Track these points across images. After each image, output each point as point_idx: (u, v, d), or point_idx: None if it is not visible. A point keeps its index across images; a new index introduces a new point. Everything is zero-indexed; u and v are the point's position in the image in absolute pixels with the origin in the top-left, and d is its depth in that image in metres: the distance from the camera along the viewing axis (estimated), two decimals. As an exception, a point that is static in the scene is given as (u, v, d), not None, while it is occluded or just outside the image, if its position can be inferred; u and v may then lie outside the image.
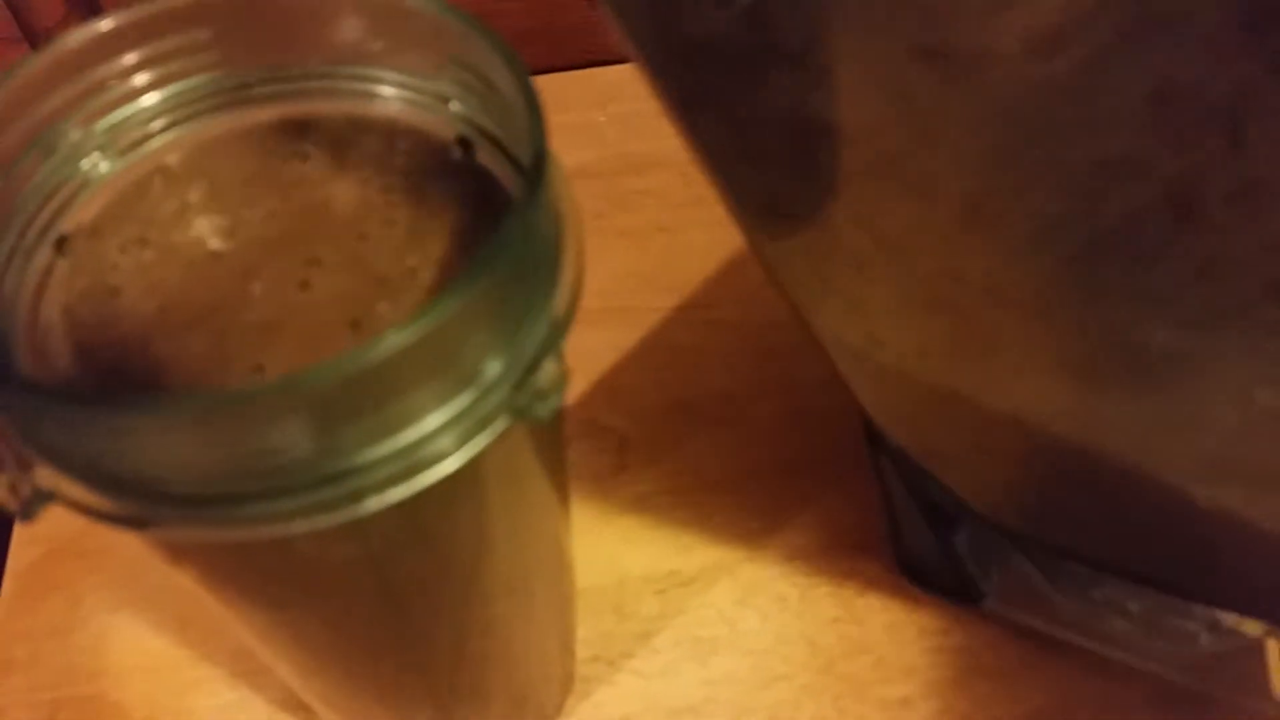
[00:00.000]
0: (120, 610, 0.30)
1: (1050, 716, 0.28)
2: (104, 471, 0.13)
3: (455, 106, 0.18)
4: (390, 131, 0.18)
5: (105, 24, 0.16)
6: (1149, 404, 0.16)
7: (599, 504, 0.32)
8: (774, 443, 0.33)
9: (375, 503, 0.13)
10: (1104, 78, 0.12)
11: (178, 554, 0.15)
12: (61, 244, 0.16)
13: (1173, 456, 0.18)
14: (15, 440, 0.13)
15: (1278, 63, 0.11)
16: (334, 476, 0.13)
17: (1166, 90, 0.11)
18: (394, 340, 0.12)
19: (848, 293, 0.19)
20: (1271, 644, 0.23)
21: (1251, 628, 0.23)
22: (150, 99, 0.17)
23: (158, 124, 0.17)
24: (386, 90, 0.18)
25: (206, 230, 0.17)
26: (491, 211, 0.17)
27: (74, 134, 0.17)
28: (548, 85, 0.48)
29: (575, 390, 0.35)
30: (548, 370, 0.14)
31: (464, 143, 0.18)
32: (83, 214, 0.17)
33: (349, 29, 0.17)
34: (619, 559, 0.31)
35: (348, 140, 0.18)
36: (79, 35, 0.16)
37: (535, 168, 0.14)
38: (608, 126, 0.44)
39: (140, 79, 0.17)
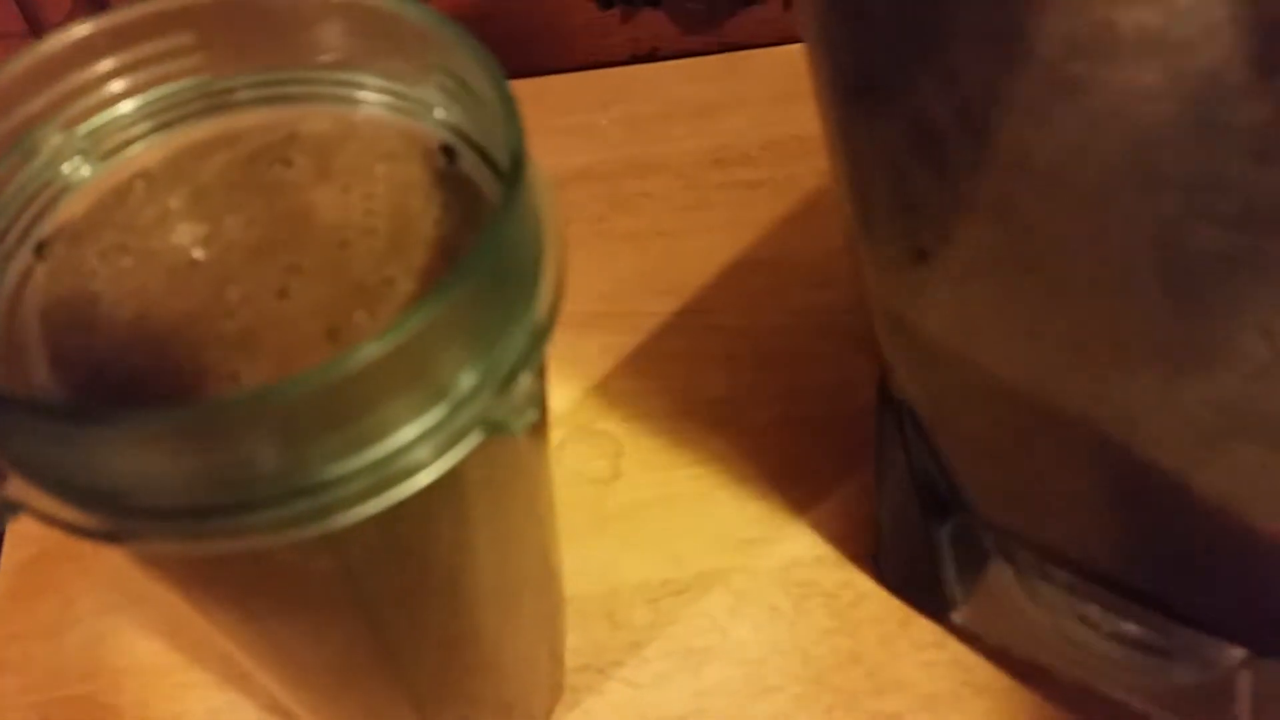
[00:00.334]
0: (113, 612, 0.30)
1: (1044, 733, 0.28)
2: (73, 483, 0.13)
3: (440, 113, 0.18)
4: (375, 137, 0.18)
5: (87, 27, 0.16)
6: (1165, 378, 0.16)
7: (593, 510, 0.32)
8: (770, 450, 0.33)
9: (348, 516, 0.13)
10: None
11: (152, 564, 0.15)
12: (41, 249, 0.16)
13: (1182, 436, 0.17)
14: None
15: None
16: (305, 490, 0.13)
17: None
18: (367, 352, 0.12)
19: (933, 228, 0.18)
20: (1244, 677, 0.22)
21: (1231, 654, 0.22)
22: (133, 103, 0.17)
23: (140, 128, 0.17)
24: (371, 96, 0.18)
25: (187, 237, 0.17)
26: (473, 221, 0.17)
27: (56, 138, 0.16)
28: (550, 87, 0.49)
29: (571, 394, 0.35)
30: (524, 383, 0.14)
31: (448, 150, 0.17)
32: (63, 219, 0.17)
33: (334, 34, 0.17)
34: (612, 566, 0.31)
35: (332, 146, 0.18)
36: (61, 39, 0.16)
37: (513, 175, 0.14)
38: (610, 129, 0.44)
39: (123, 83, 0.17)
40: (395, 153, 0.18)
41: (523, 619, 0.22)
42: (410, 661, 0.20)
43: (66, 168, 0.17)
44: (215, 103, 0.18)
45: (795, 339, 0.36)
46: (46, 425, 0.12)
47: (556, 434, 0.34)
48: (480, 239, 0.13)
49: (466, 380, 0.14)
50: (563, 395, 0.35)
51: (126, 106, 0.17)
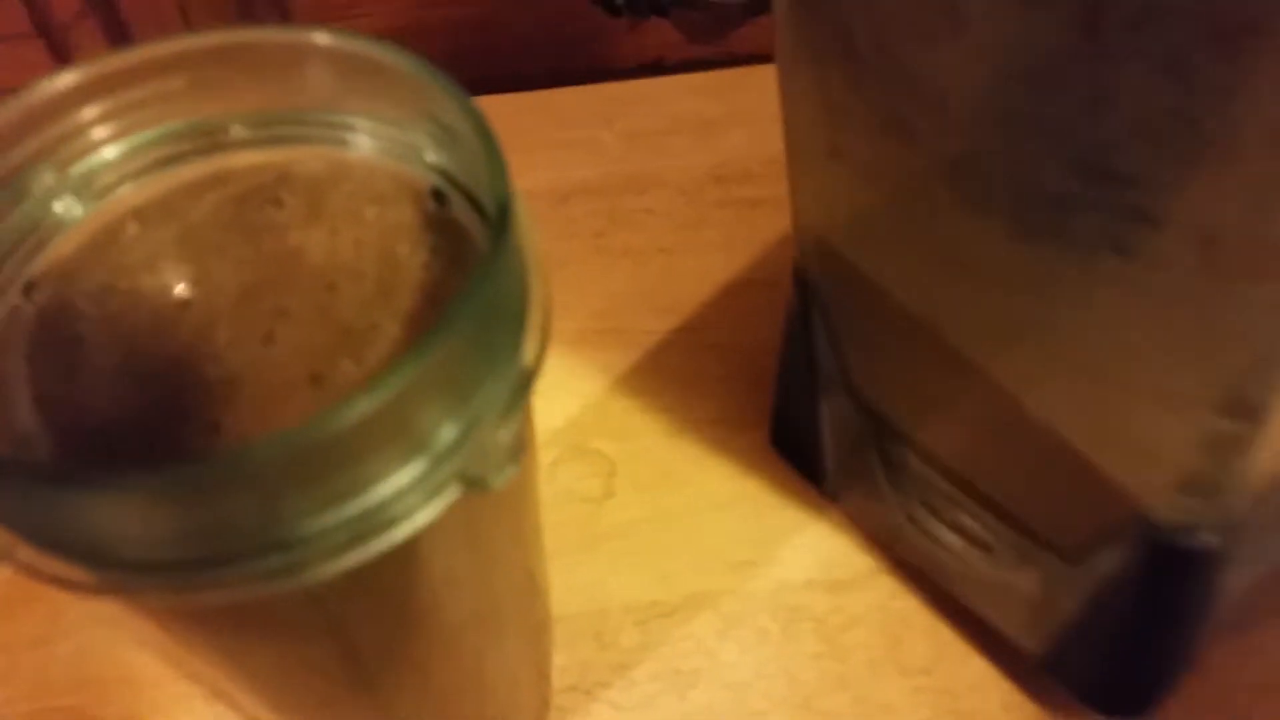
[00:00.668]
0: (102, 624, 0.30)
1: (1028, 763, 0.28)
2: (53, 537, 0.13)
3: (430, 157, 0.18)
4: (366, 179, 0.18)
5: (80, 72, 0.16)
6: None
7: (584, 529, 0.32)
8: (763, 471, 0.33)
9: (324, 570, 0.13)
10: None
11: (128, 608, 0.16)
12: (29, 289, 0.16)
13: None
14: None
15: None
16: (282, 545, 0.13)
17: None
18: (349, 412, 0.12)
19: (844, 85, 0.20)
20: (1038, 579, 0.25)
21: (1041, 557, 0.25)
22: (124, 144, 0.17)
23: (131, 168, 0.17)
24: (363, 138, 0.18)
25: (175, 278, 0.17)
26: (461, 265, 0.17)
27: (47, 178, 0.17)
28: (554, 100, 0.49)
29: (566, 412, 0.35)
30: (505, 436, 0.14)
31: (437, 194, 0.18)
32: (52, 259, 0.17)
33: (324, 78, 0.17)
34: (601, 586, 0.31)
35: (323, 187, 0.18)
36: (54, 83, 0.16)
37: (498, 228, 0.14)
38: (613, 143, 0.44)
39: (115, 125, 0.17)
40: (385, 195, 0.18)
41: (506, 642, 0.23)
42: (391, 688, 0.20)
43: (58, 207, 0.17)
44: (207, 143, 0.18)
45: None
46: (22, 484, 0.12)
47: (549, 452, 0.34)
48: (466, 290, 0.13)
49: (447, 433, 0.14)
50: (557, 412, 0.35)
51: (118, 147, 0.17)
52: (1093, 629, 0.25)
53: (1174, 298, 0.17)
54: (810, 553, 0.31)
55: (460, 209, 0.17)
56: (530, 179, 0.43)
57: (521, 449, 0.14)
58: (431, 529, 0.14)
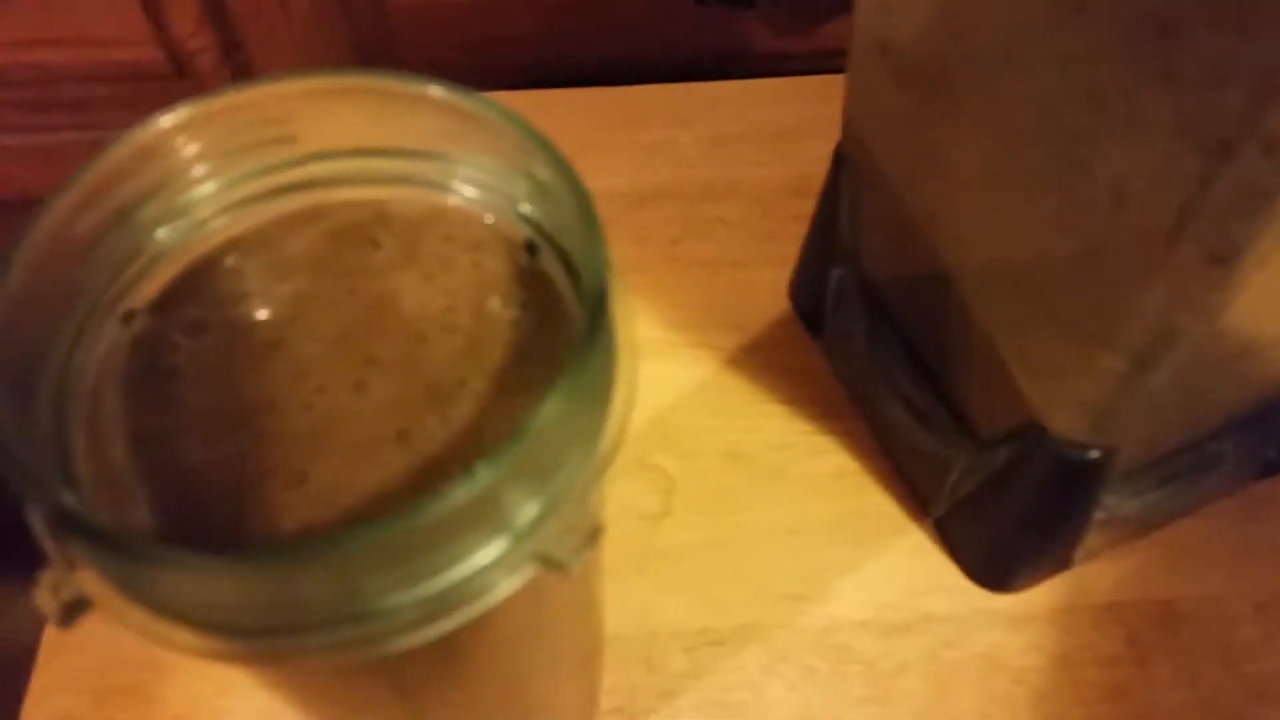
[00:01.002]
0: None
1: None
2: (143, 595, 0.13)
3: (524, 208, 0.18)
4: (461, 225, 0.18)
5: (190, 108, 0.16)
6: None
7: (639, 549, 0.32)
8: (823, 503, 0.33)
9: (399, 643, 0.13)
10: None
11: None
12: (128, 318, 0.17)
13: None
14: (63, 541, 0.13)
15: None
16: (359, 619, 0.13)
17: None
18: (438, 506, 0.12)
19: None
20: (960, 462, 0.29)
21: (962, 442, 0.29)
22: (226, 176, 0.17)
23: (230, 200, 0.18)
24: (459, 184, 0.18)
25: (269, 316, 0.17)
26: (549, 324, 0.17)
27: (149, 208, 0.17)
28: (635, 98, 0.48)
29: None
30: (583, 521, 0.14)
31: (530, 247, 0.17)
32: (150, 289, 0.17)
33: (425, 124, 0.17)
34: (652, 610, 0.31)
35: (419, 230, 0.18)
36: (165, 118, 0.16)
37: (594, 317, 0.14)
38: (691, 147, 0.44)
39: (217, 156, 0.17)
40: (480, 243, 0.18)
41: (562, 680, 0.23)
42: (446, 715, 0.20)
43: (159, 236, 0.17)
44: (306, 178, 0.18)
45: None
46: (101, 548, 0.12)
47: (610, 466, 0.34)
48: (562, 378, 0.13)
49: (528, 512, 0.14)
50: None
51: (220, 178, 0.17)
52: (984, 509, 0.30)
53: (1095, 244, 0.21)
54: (865, 592, 0.31)
55: (551, 264, 0.17)
56: (606, 180, 0.43)
57: (599, 530, 0.14)
58: (504, 602, 0.14)
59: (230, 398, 0.16)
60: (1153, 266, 0.20)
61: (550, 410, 0.13)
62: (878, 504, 0.33)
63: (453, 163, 0.18)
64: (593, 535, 0.14)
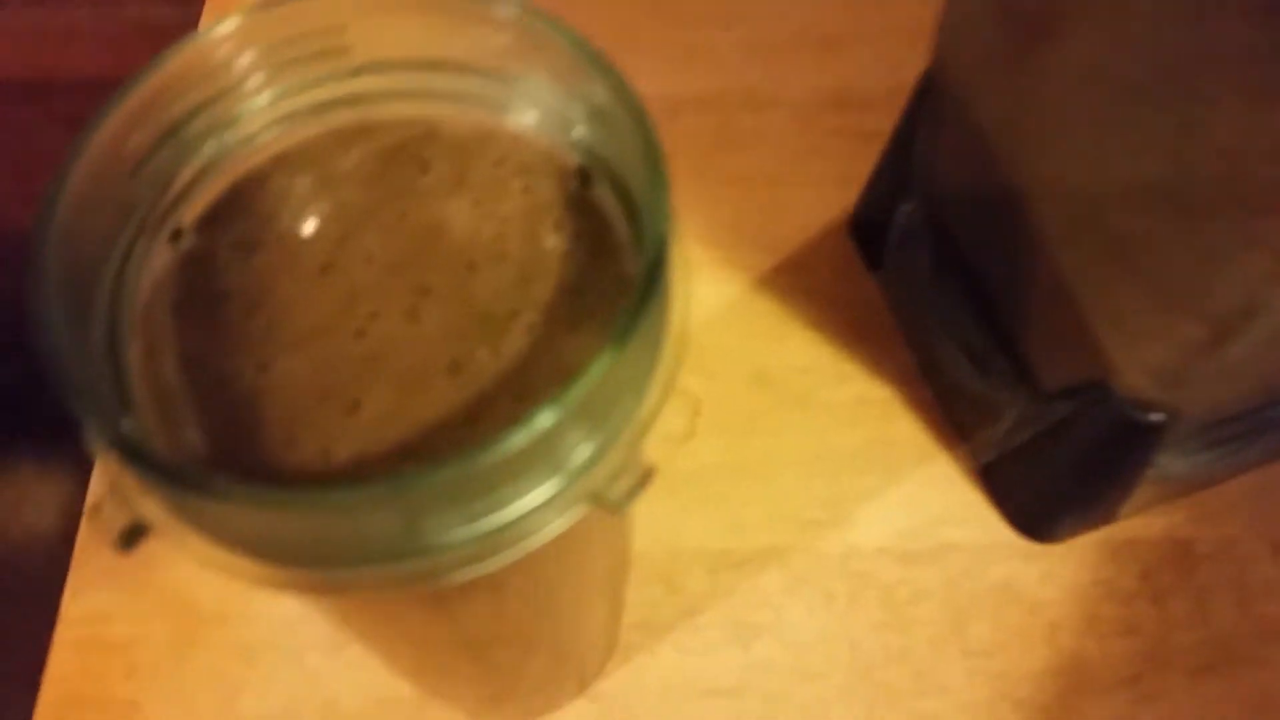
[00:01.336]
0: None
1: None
2: (210, 530, 0.13)
3: (579, 133, 0.17)
4: (512, 148, 0.17)
5: (241, 18, 0.16)
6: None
7: (663, 470, 0.32)
8: (847, 430, 0.33)
9: (453, 577, 0.14)
10: None
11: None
12: (176, 236, 0.16)
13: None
14: (122, 468, 0.13)
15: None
16: (416, 553, 0.13)
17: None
18: (499, 449, 0.12)
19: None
20: (1013, 410, 0.29)
21: (1019, 391, 0.29)
22: (276, 90, 0.17)
23: (279, 113, 0.17)
24: (514, 106, 0.17)
25: (319, 238, 0.17)
26: (601, 257, 0.16)
27: (198, 122, 0.16)
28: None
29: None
30: (635, 463, 0.14)
31: (583, 174, 0.17)
32: (197, 206, 0.17)
33: (485, 41, 0.17)
34: (675, 530, 0.31)
35: (469, 152, 0.17)
36: (216, 30, 0.16)
37: (653, 270, 0.14)
38: (731, 51, 0.42)
39: (269, 71, 0.17)
40: (531, 168, 0.17)
41: (596, 604, 0.23)
42: (489, 652, 0.21)
43: (207, 150, 0.17)
44: (357, 92, 0.17)
45: (887, 316, 0.35)
46: (165, 483, 0.12)
47: (637, 385, 0.34)
48: (620, 329, 0.13)
49: (582, 453, 0.14)
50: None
51: (269, 91, 0.17)
52: (1037, 461, 0.30)
53: (1199, 209, 0.20)
54: (885, 521, 0.31)
55: (604, 193, 0.17)
56: (640, 84, 0.42)
57: (651, 473, 0.14)
58: (555, 542, 0.14)
59: (282, 320, 0.16)
60: (1256, 238, 0.19)
61: (610, 357, 0.13)
62: (902, 433, 0.33)
63: (507, 82, 0.17)
64: (644, 478, 0.14)
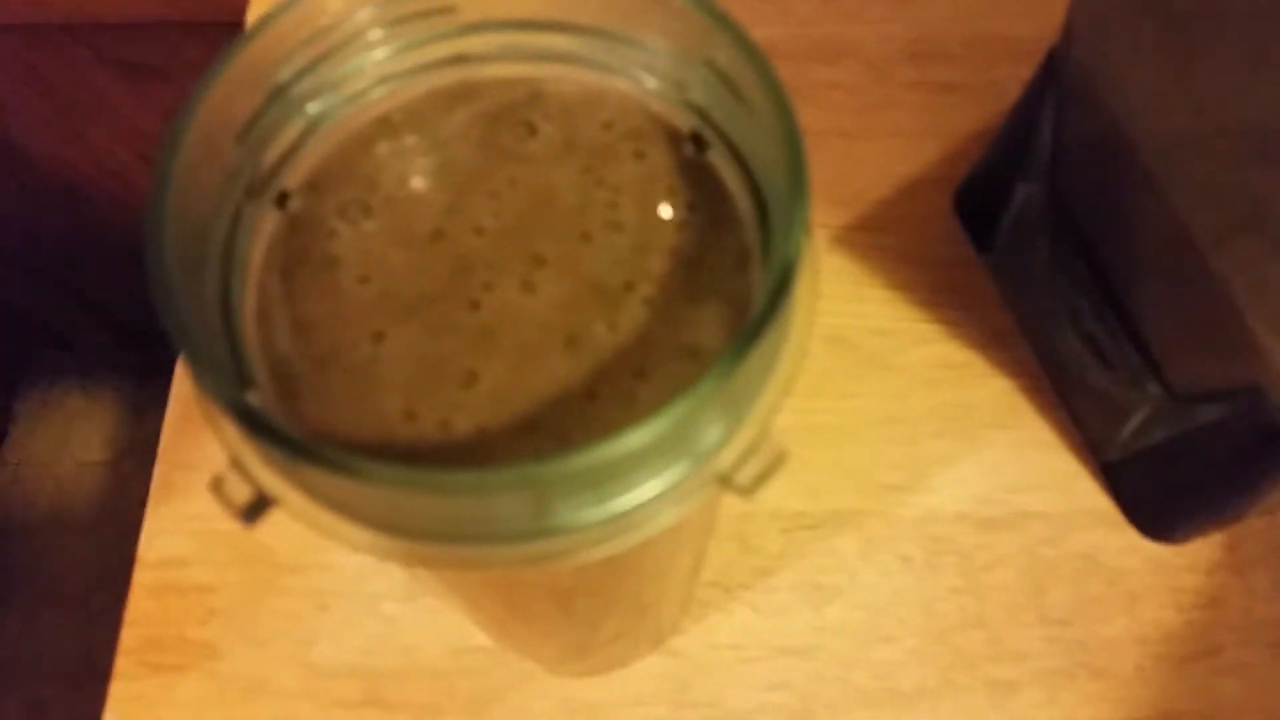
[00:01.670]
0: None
1: (1155, 729, 0.28)
2: (321, 494, 0.13)
3: (694, 96, 0.16)
4: (621, 111, 0.17)
5: (348, -24, 0.15)
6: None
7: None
8: (924, 393, 0.32)
9: (579, 557, 0.13)
10: None
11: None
12: (283, 200, 0.16)
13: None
14: (246, 440, 0.13)
15: None
16: (543, 534, 0.13)
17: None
18: (629, 440, 0.12)
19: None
20: (1143, 409, 0.28)
21: (1149, 388, 0.28)
22: (382, 50, 0.16)
23: (383, 72, 0.17)
24: (622, 65, 0.17)
25: (429, 204, 0.16)
26: (718, 229, 0.16)
27: (303, 83, 0.16)
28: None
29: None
30: (766, 446, 0.14)
31: (697, 139, 0.16)
32: (304, 167, 0.16)
33: (598, 1, 0.16)
34: (750, 490, 0.31)
35: (576, 115, 0.17)
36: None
37: (782, 277, 0.13)
38: (805, 0, 0.41)
39: (374, 30, 0.16)
40: (642, 132, 0.17)
41: (685, 565, 0.23)
42: (576, 612, 0.21)
43: (309, 112, 0.16)
44: (462, 52, 0.17)
45: (967, 275, 0.34)
46: (295, 454, 0.12)
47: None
48: (749, 328, 0.13)
49: (710, 436, 0.14)
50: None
51: (374, 51, 0.16)
52: (1171, 464, 0.29)
53: None
54: (963, 486, 0.31)
55: (720, 159, 0.16)
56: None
57: (782, 457, 0.14)
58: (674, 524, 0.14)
59: (394, 289, 0.16)
60: None
61: (743, 350, 0.12)
62: (982, 397, 0.32)
63: (615, 41, 0.16)
64: (776, 460, 0.14)
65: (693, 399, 0.12)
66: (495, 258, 0.16)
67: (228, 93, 0.15)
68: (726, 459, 0.14)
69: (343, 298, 0.15)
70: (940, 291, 0.34)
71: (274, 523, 0.30)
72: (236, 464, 0.14)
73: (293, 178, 0.16)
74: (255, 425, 0.12)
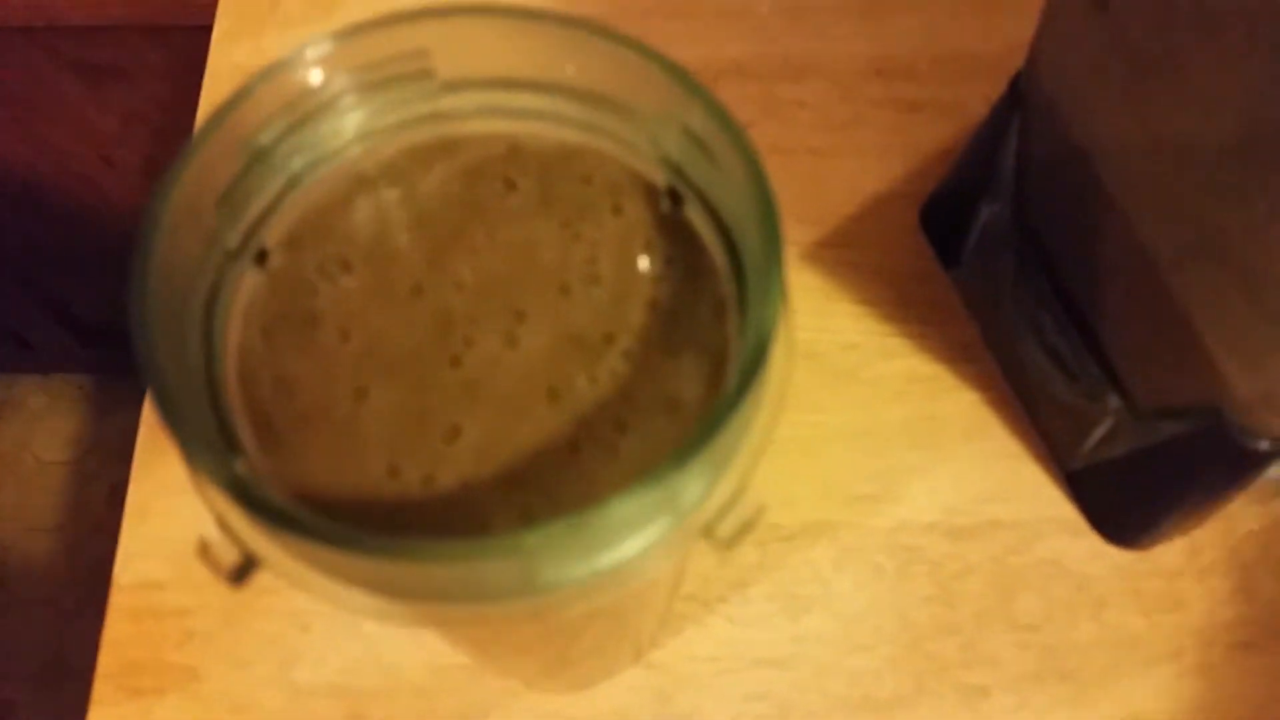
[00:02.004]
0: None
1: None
2: (309, 558, 0.13)
3: (669, 152, 0.17)
4: (597, 166, 0.17)
5: (326, 46, 0.15)
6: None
7: (713, 444, 0.33)
8: (893, 406, 0.33)
9: (565, 609, 0.14)
10: None
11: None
12: (262, 258, 0.16)
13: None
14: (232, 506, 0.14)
15: None
16: (531, 591, 0.13)
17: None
18: (620, 506, 0.12)
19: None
20: (1105, 422, 0.29)
21: (1111, 400, 0.28)
22: (362, 111, 0.17)
23: (364, 130, 0.17)
24: (601, 123, 0.17)
25: (408, 258, 0.16)
26: (695, 281, 0.16)
27: (285, 144, 0.16)
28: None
29: (701, 316, 0.35)
30: (746, 499, 0.14)
31: (673, 194, 0.17)
32: (282, 225, 0.17)
33: (573, 62, 0.16)
34: (726, 505, 0.32)
35: (553, 169, 0.17)
36: (299, 57, 0.15)
37: (755, 353, 0.13)
38: (771, 18, 0.41)
39: (351, 91, 0.16)
40: (619, 186, 0.17)
41: (664, 585, 0.23)
42: (556, 635, 0.21)
43: (291, 170, 0.16)
44: (441, 111, 0.17)
45: (934, 289, 0.35)
46: (289, 531, 0.13)
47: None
48: (736, 391, 0.13)
49: (692, 493, 0.14)
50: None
51: (356, 113, 0.17)
52: (1133, 476, 0.29)
53: None
54: (933, 497, 0.32)
55: (695, 214, 0.17)
56: (680, 52, 0.41)
57: (761, 511, 0.14)
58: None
59: (376, 346, 0.16)
60: None
61: (725, 416, 0.13)
62: (949, 409, 0.33)
63: (593, 100, 0.17)
64: (756, 515, 0.14)
65: (678, 466, 0.12)
66: (476, 313, 0.16)
67: (208, 161, 0.15)
68: (707, 513, 0.14)
69: (324, 355, 0.16)
70: (907, 306, 0.35)
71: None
72: (222, 525, 0.14)
73: (272, 235, 0.17)
74: (244, 497, 0.13)
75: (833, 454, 0.32)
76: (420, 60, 0.16)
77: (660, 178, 0.17)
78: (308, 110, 0.16)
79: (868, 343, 0.34)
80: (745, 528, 0.14)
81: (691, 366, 0.16)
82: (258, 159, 0.16)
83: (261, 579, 0.30)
